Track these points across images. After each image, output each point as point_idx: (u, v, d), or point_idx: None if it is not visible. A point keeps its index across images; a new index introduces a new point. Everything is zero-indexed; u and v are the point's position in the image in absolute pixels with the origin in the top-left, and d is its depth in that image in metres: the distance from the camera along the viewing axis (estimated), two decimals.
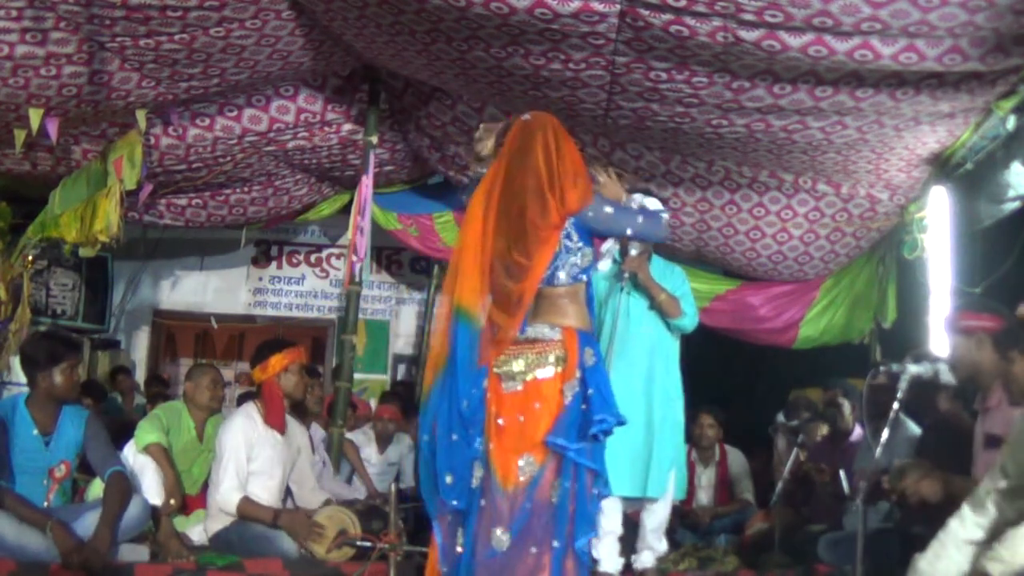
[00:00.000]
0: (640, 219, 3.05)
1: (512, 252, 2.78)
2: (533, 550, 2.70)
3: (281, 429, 4.10)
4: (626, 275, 3.92)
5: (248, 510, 3.92)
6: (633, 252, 3.96)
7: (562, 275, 2.89)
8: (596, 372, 2.82)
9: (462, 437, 2.75)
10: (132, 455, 4.08)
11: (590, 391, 2.77)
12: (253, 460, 4.01)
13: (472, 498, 2.75)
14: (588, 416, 2.75)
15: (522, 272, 2.78)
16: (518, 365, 2.81)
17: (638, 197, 4.00)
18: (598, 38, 3.78)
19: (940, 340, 3.33)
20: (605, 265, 4.18)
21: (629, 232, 3.08)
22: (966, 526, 2.59)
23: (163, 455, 4.09)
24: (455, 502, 2.74)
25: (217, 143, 5.79)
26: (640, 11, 3.49)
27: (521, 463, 2.75)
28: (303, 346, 4.32)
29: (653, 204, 4.01)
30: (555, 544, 2.70)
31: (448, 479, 2.73)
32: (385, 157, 6.49)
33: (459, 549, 2.74)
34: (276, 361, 4.10)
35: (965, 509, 2.62)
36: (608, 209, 2.97)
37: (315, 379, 5.00)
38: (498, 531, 2.70)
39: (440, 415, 2.77)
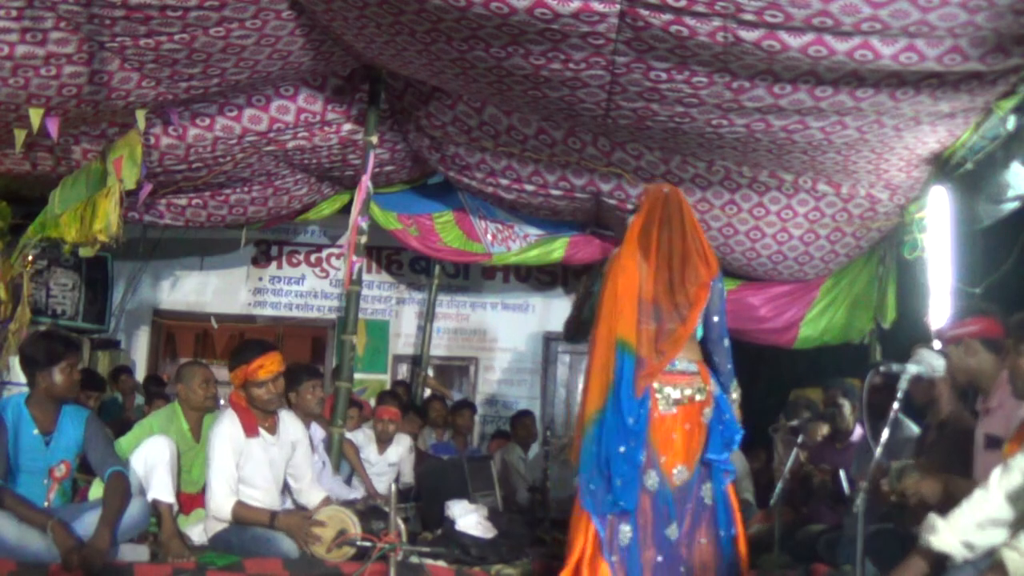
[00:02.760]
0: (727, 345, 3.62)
1: (676, 297, 3.45)
2: (703, 540, 3.41)
3: (256, 434, 4.03)
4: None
5: (244, 515, 3.91)
6: None
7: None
8: (722, 399, 3.52)
9: (628, 449, 3.30)
10: (140, 454, 4.05)
11: (726, 415, 3.49)
12: (243, 465, 3.99)
13: (641, 499, 3.35)
14: (723, 433, 3.47)
15: (682, 317, 3.44)
16: (675, 393, 3.42)
17: None
18: (598, 38, 3.77)
19: (936, 351, 3.38)
20: None
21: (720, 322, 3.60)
22: (990, 498, 2.58)
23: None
24: (622, 503, 3.29)
25: (217, 143, 5.79)
26: (640, 11, 3.49)
27: (675, 471, 3.39)
28: (274, 353, 4.08)
29: None
30: (721, 533, 3.42)
31: (618, 483, 3.28)
32: (385, 157, 6.49)
33: (626, 539, 3.30)
34: (233, 377, 4.06)
35: (993, 480, 2.59)
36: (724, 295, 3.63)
37: (316, 379, 4.99)
38: (672, 525, 3.36)
39: (609, 431, 3.32)
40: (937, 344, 3.42)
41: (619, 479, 3.28)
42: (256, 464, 4.02)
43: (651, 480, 3.35)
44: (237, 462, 3.96)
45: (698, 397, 3.43)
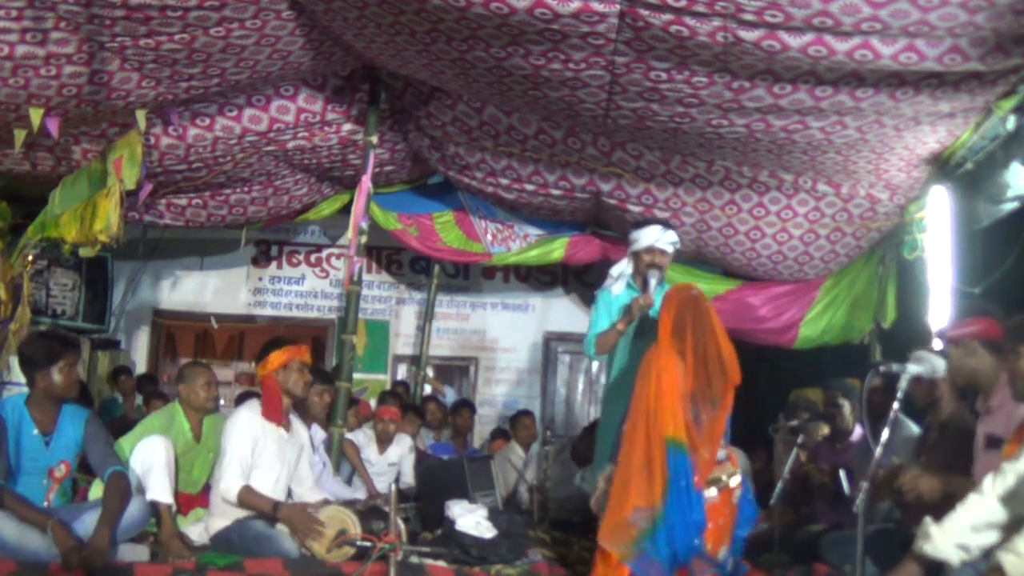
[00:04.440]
0: None
1: (712, 394, 3.59)
2: None
3: (279, 422, 4.12)
4: (640, 302, 4.26)
5: (249, 499, 3.93)
6: (653, 282, 4.32)
7: None
8: (744, 479, 3.71)
9: (700, 541, 3.47)
10: (137, 454, 4.06)
11: (748, 495, 3.70)
12: (258, 455, 4.03)
13: None
14: (746, 510, 3.69)
15: (715, 416, 3.60)
16: (715, 480, 3.59)
17: (656, 229, 4.43)
18: (598, 38, 3.78)
19: (937, 348, 3.41)
20: (619, 288, 4.51)
21: None
22: (984, 502, 2.59)
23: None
24: None
25: (217, 143, 5.79)
26: (640, 11, 3.49)
27: (721, 553, 3.55)
28: (305, 345, 4.36)
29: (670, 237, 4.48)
30: None
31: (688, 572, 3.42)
32: (385, 157, 6.49)
33: None
34: (275, 357, 4.14)
35: (986, 484, 2.61)
36: None
37: (326, 384, 4.98)
38: None
39: (675, 527, 3.43)
40: (938, 345, 3.42)
41: (691, 570, 3.47)
42: (269, 456, 4.07)
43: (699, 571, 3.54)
44: (253, 450, 4.02)
45: (733, 482, 3.66)
